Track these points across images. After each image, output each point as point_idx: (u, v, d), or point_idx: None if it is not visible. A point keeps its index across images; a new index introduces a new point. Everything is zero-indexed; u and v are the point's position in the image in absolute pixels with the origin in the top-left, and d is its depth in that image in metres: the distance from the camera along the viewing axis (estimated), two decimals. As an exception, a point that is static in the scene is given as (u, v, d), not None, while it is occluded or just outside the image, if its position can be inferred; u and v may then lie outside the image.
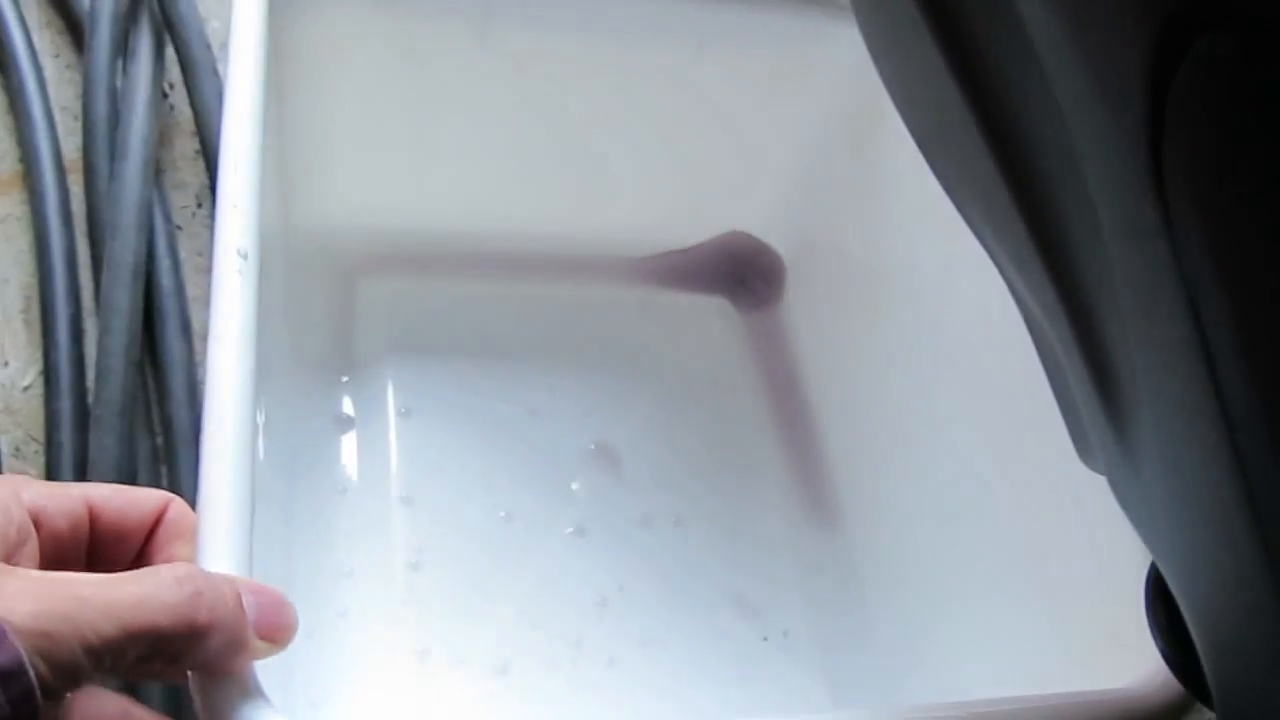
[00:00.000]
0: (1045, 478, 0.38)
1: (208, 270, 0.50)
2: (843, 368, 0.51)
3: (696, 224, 0.54)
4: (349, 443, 0.46)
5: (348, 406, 0.47)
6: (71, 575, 0.22)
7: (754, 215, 0.54)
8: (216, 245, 0.31)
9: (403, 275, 0.51)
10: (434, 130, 0.47)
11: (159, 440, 0.45)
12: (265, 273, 0.32)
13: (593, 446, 0.49)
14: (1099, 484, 0.35)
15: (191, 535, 0.26)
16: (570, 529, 0.46)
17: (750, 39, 0.46)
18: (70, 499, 0.27)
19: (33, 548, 0.25)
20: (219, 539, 0.26)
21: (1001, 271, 0.24)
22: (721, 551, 0.47)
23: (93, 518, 0.27)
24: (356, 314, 0.49)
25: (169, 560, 0.27)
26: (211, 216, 0.50)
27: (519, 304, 0.52)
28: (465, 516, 0.45)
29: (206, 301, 0.49)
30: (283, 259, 0.43)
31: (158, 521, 0.28)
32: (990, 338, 0.41)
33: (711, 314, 0.55)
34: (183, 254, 0.49)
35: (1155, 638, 0.23)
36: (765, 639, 0.46)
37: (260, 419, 0.34)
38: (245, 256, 0.31)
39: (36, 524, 0.26)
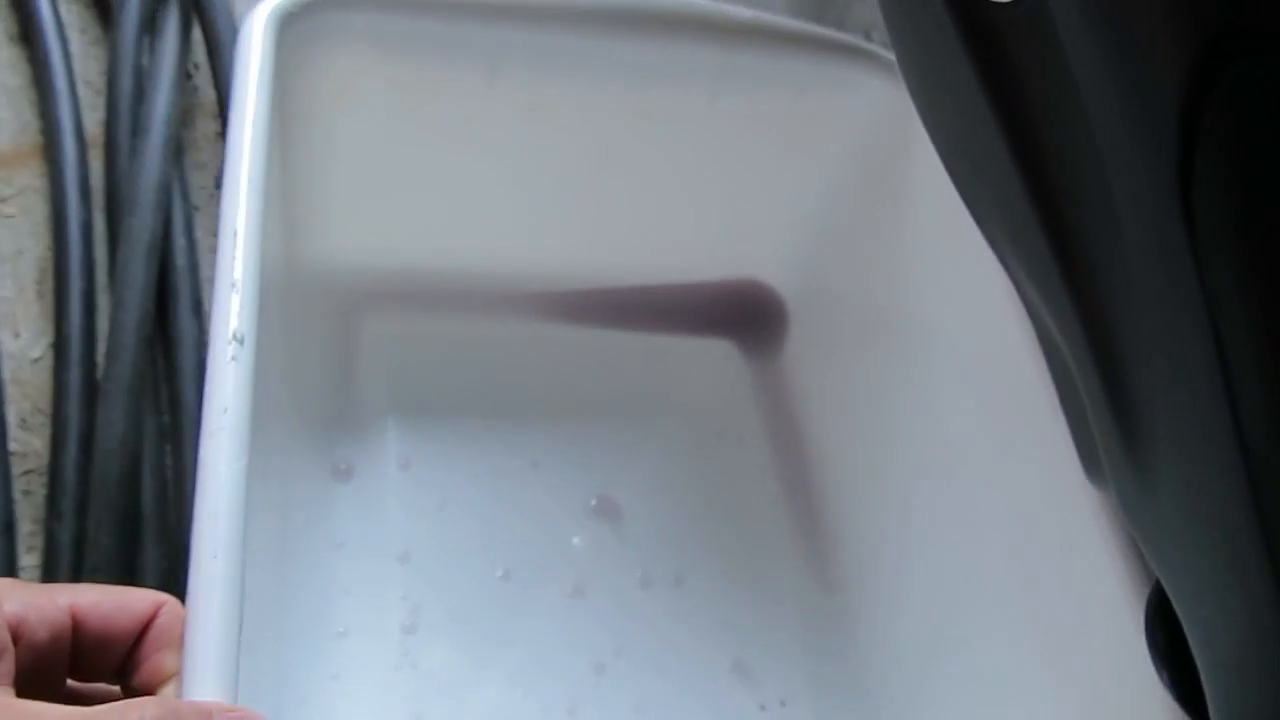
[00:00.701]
0: (1064, 547, 0.37)
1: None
2: (851, 422, 0.50)
3: (703, 267, 0.53)
4: (347, 495, 0.46)
5: (347, 456, 0.47)
6: (35, 710, 0.22)
7: (761, 260, 0.53)
8: (212, 326, 0.30)
9: (407, 316, 0.50)
10: (442, 169, 0.47)
11: (165, 418, 0.45)
12: (264, 314, 0.31)
13: (594, 501, 0.48)
14: (1121, 554, 0.34)
15: (181, 643, 0.26)
16: (569, 589, 0.46)
17: (767, 84, 0.45)
18: (55, 608, 0.26)
19: (9, 663, 0.25)
20: (205, 658, 0.25)
21: (1018, 287, 0.24)
22: (721, 614, 0.47)
23: (78, 625, 0.27)
24: (359, 356, 0.49)
25: (156, 670, 0.27)
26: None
27: (524, 347, 0.51)
28: (463, 575, 0.45)
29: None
30: (284, 299, 0.43)
31: (148, 625, 0.28)
32: (1007, 394, 0.40)
33: (717, 359, 0.54)
34: (199, 234, 0.49)
35: (1154, 659, 0.23)
36: (763, 708, 0.45)
37: (243, 463, 0.34)
38: (241, 341, 0.30)
39: (16, 635, 0.25)
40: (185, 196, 0.49)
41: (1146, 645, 0.24)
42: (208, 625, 0.26)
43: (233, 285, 0.31)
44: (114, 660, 0.27)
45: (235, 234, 0.32)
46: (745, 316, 0.54)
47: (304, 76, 0.40)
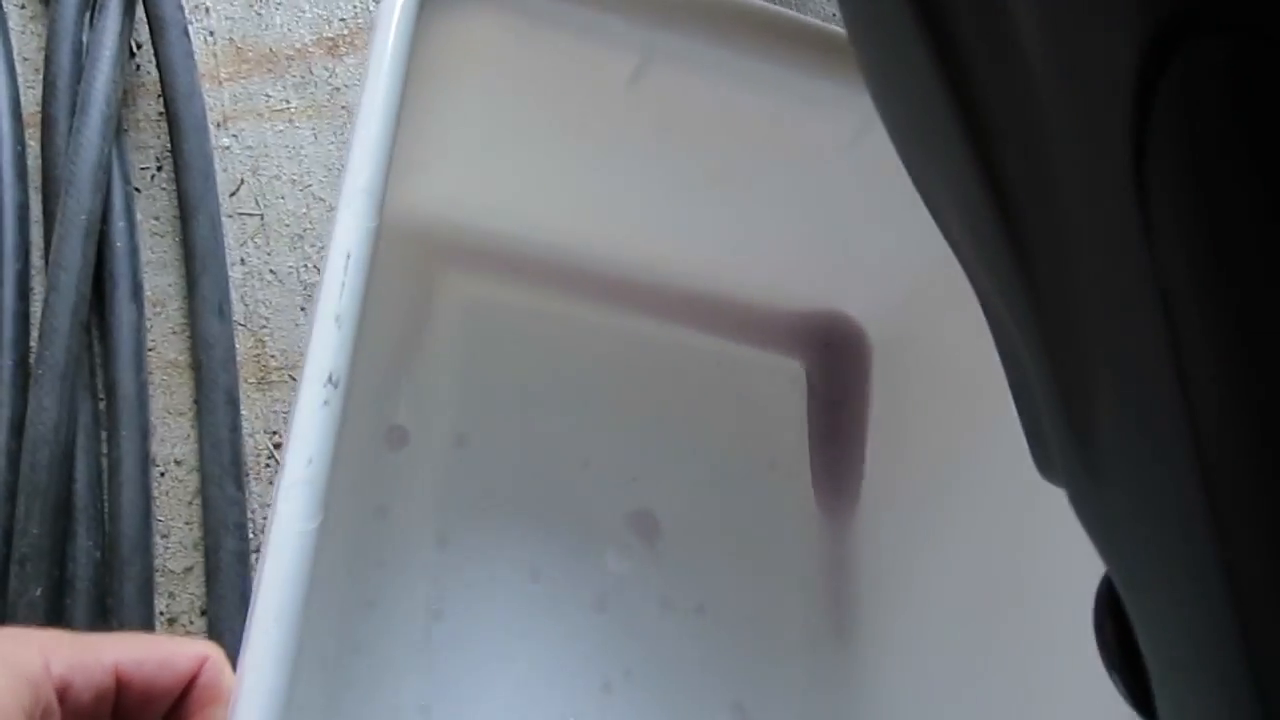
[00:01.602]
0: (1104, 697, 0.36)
1: (163, 234, 0.49)
2: (911, 483, 0.48)
3: (794, 291, 0.52)
4: (397, 461, 0.44)
5: (404, 418, 0.45)
6: None
7: (855, 295, 0.52)
8: (307, 360, 0.28)
9: (488, 279, 0.49)
10: (556, 146, 0.45)
11: (101, 405, 0.44)
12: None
13: (635, 511, 0.47)
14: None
15: (226, 701, 0.26)
16: (592, 600, 0.45)
17: None
18: (101, 669, 0.26)
19: None
20: None
21: (972, 280, 0.24)
22: (733, 651, 0.46)
23: (122, 685, 0.26)
24: (432, 316, 0.47)
25: None
26: (171, 180, 0.49)
27: (597, 333, 0.50)
28: (495, 569, 0.44)
29: (160, 266, 0.48)
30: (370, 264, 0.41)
31: (192, 681, 0.28)
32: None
33: (785, 382, 0.52)
34: (139, 216, 0.48)
35: (1103, 655, 0.23)
36: None
37: (318, 522, 0.32)
38: (336, 385, 0.28)
39: (61, 699, 0.25)
40: (125, 177, 0.48)
41: (1096, 641, 0.23)
42: (258, 695, 0.24)
43: (336, 319, 0.28)
44: (155, 716, 0.27)
45: (347, 256, 0.29)
46: (824, 345, 0.53)
47: (440, 38, 0.36)
